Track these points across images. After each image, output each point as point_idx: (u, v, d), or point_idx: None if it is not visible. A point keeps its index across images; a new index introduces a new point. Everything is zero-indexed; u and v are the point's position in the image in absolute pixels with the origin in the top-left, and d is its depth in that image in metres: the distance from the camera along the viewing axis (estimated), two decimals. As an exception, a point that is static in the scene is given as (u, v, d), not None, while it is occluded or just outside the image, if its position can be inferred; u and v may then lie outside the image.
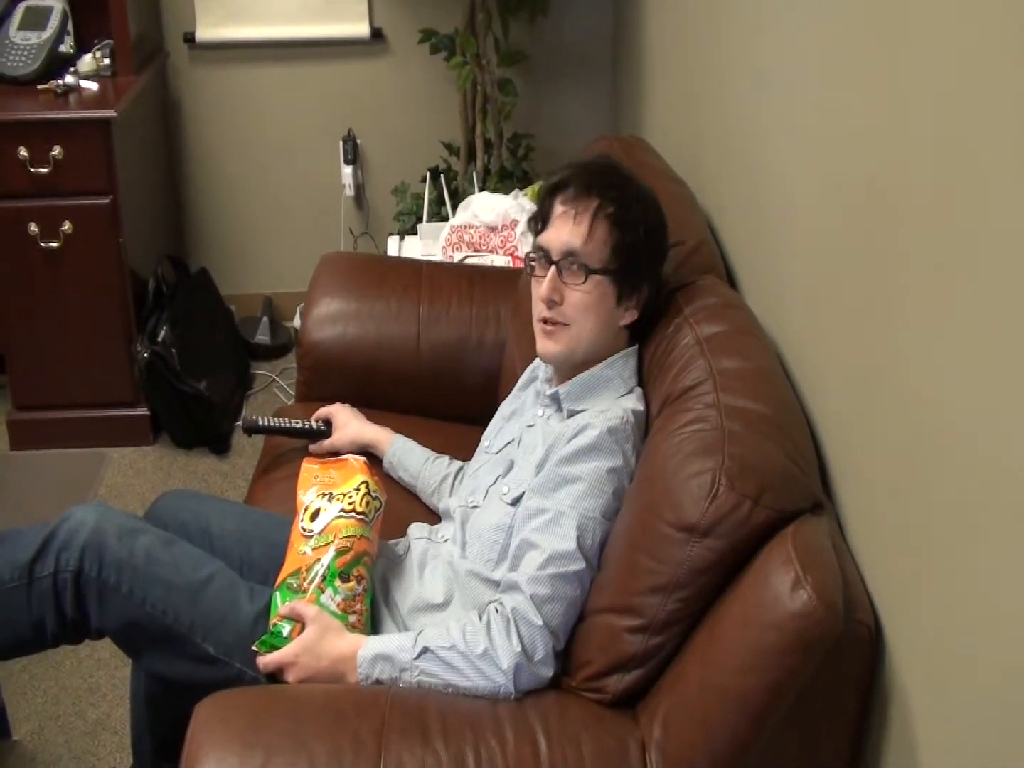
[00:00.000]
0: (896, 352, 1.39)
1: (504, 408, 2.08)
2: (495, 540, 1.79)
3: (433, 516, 2.09)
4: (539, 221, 1.87)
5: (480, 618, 1.65)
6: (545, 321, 1.83)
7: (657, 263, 1.87)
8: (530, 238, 1.90)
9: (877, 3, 1.46)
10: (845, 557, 1.49)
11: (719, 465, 1.50)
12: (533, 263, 1.85)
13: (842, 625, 1.36)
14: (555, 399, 1.87)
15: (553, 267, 1.80)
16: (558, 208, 1.82)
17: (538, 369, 2.01)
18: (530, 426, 1.91)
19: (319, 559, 1.76)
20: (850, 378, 1.56)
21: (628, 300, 1.83)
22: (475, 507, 1.90)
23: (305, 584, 1.75)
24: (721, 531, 1.48)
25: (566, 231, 1.80)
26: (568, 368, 1.87)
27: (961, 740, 1.25)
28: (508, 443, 1.96)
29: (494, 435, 2.04)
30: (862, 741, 1.49)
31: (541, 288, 1.81)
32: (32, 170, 2.99)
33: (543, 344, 1.85)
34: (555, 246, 1.81)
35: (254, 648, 1.70)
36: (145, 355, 3.12)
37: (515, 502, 1.80)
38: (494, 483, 1.89)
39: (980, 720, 1.20)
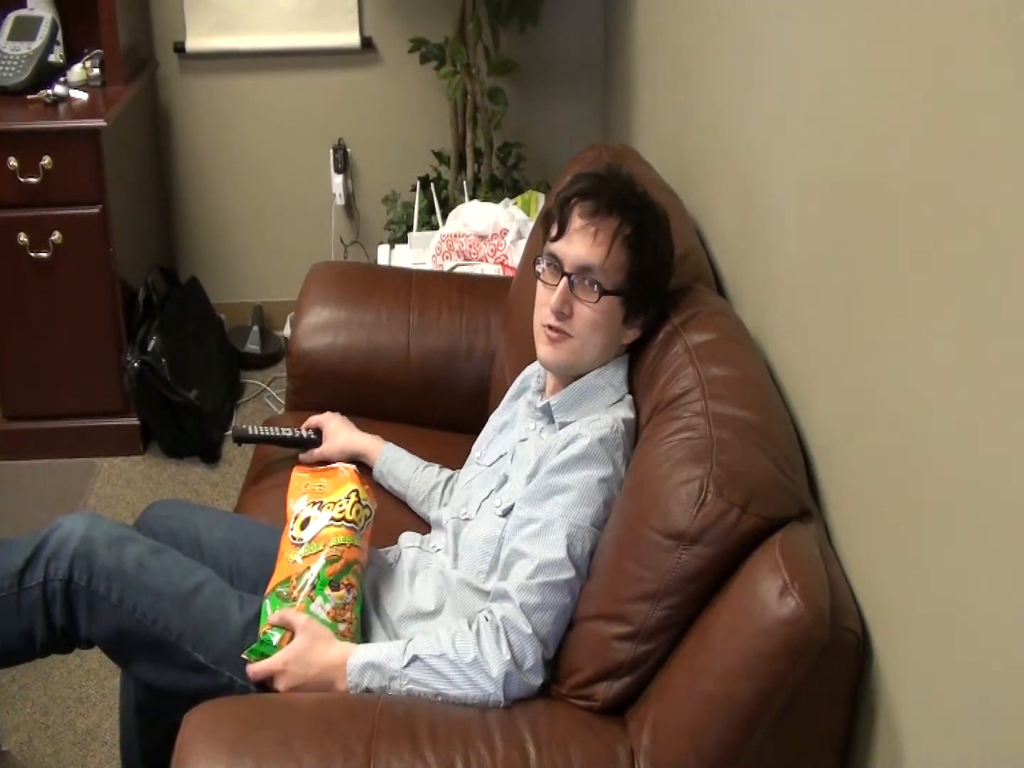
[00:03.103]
0: (884, 360, 1.40)
1: (495, 419, 2.08)
2: (486, 552, 1.79)
3: (423, 525, 2.10)
4: (554, 226, 1.83)
5: (470, 627, 1.66)
6: (551, 328, 1.83)
7: (665, 285, 1.88)
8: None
9: (864, 13, 1.47)
10: (832, 564, 1.50)
11: (707, 473, 1.51)
12: (541, 268, 1.84)
13: (829, 632, 1.36)
14: (547, 411, 1.87)
15: (565, 279, 1.80)
16: (577, 221, 1.80)
17: (529, 379, 2.01)
18: (523, 440, 1.91)
19: (309, 567, 1.76)
20: (838, 386, 1.57)
21: (634, 320, 1.84)
22: (467, 519, 1.90)
23: (295, 592, 1.75)
24: (709, 538, 1.49)
25: (584, 248, 1.78)
26: (564, 377, 1.87)
27: (948, 747, 1.26)
28: (501, 456, 1.95)
29: (485, 446, 2.04)
30: (850, 747, 1.49)
31: (552, 298, 1.80)
32: (22, 180, 2.99)
33: (545, 351, 1.85)
34: (570, 259, 1.79)
35: (244, 656, 1.70)
36: (135, 364, 3.11)
37: (506, 513, 1.80)
38: (487, 497, 1.89)
39: (967, 726, 1.21)
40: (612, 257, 1.78)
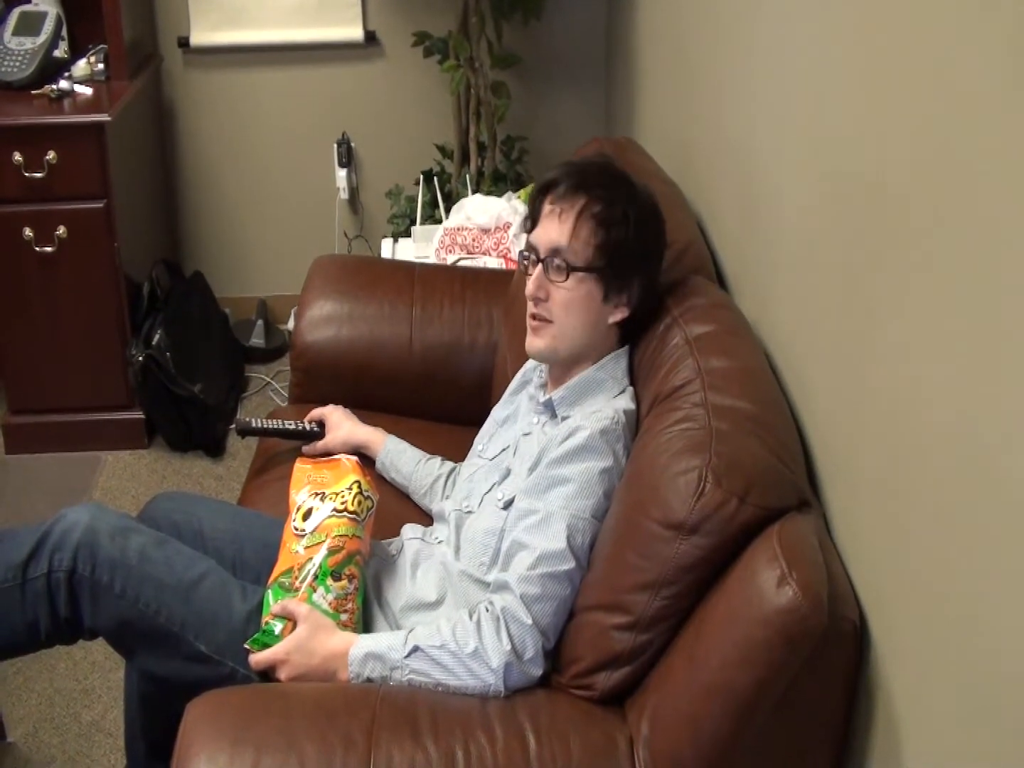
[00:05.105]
0: (883, 351, 1.40)
1: (497, 412, 2.08)
2: (487, 544, 1.80)
3: (425, 517, 2.10)
4: (530, 220, 1.89)
5: (470, 617, 1.66)
6: (532, 317, 1.84)
7: (649, 260, 1.87)
8: (524, 238, 1.92)
9: (866, 7, 1.47)
10: (831, 554, 1.50)
11: (706, 463, 1.51)
12: (526, 262, 1.87)
13: (827, 621, 1.36)
14: (549, 406, 1.88)
15: (540, 265, 1.82)
16: (546, 207, 1.84)
17: (531, 373, 2.01)
18: (526, 434, 1.91)
19: (311, 558, 1.77)
20: (837, 377, 1.57)
21: (617, 297, 1.83)
22: (470, 512, 1.91)
23: (297, 583, 1.76)
24: (708, 528, 1.49)
25: (553, 229, 1.81)
26: (557, 366, 1.88)
27: (946, 734, 1.26)
28: (503, 450, 1.96)
29: (487, 440, 2.05)
30: (848, 736, 1.50)
31: (527, 285, 1.83)
32: (27, 175, 3.00)
33: (528, 340, 1.87)
34: (542, 244, 1.83)
35: (246, 646, 1.71)
36: (140, 358, 3.12)
37: (508, 506, 1.81)
38: (490, 490, 1.90)
39: (965, 715, 1.21)
40: (579, 234, 1.79)
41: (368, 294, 2.51)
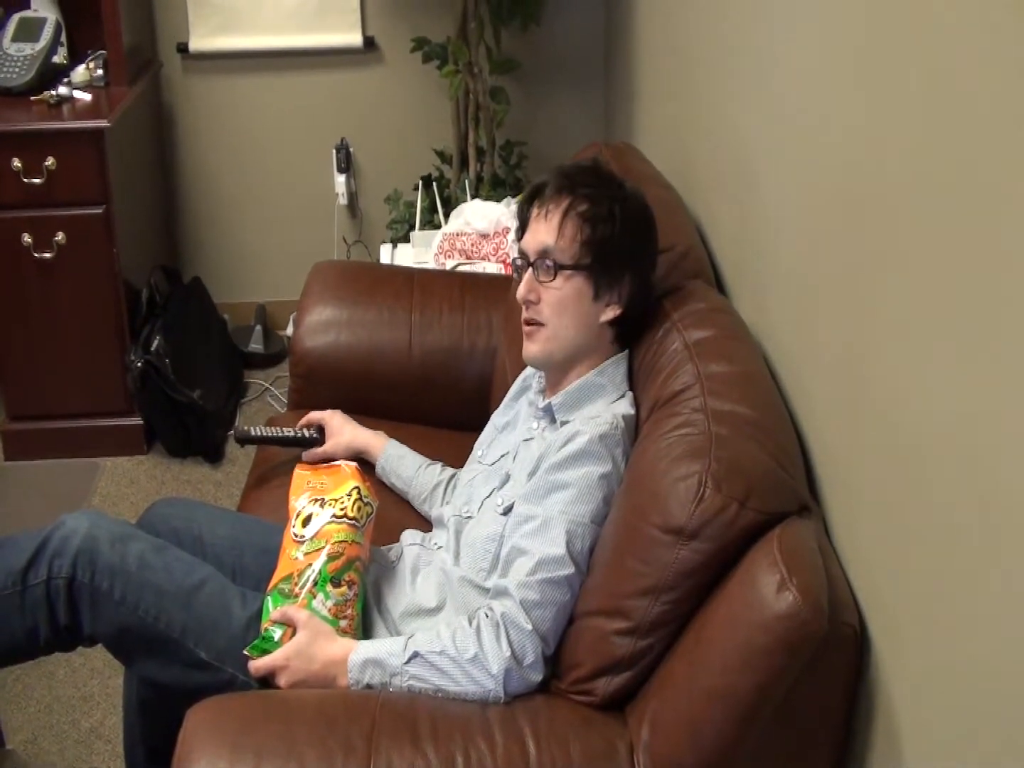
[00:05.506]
0: (881, 356, 1.40)
1: (497, 418, 2.08)
2: (487, 550, 1.80)
3: (425, 523, 2.10)
4: (520, 228, 1.90)
5: (470, 623, 1.66)
6: (527, 323, 1.85)
7: (638, 257, 1.87)
8: (517, 248, 1.93)
9: (865, 11, 1.48)
10: (831, 559, 1.50)
11: (706, 468, 1.51)
12: (519, 269, 1.88)
13: (827, 626, 1.36)
14: (548, 411, 1.88)
15: (530, 268, 1.83)
16: (534, 212, 1.86)
17: (530, 379, 2.01)
18: (527, 440, 1.91)
19: (311, 564, 1.77)
20: (836, 382, 1.57)
21: (608, 294, 1.83)
22: (469, 517, 1.90)
23: (297, 589, 1.75)
24: (708, 534, 1.49)
25: (540, 231, 1.83)
26: (553, 371, 1.88)
27: (945, 740, 1.26)
28: (503, 455, 1.96)
29: (487, 445, 2.05)
30: (848, 740, 1.50)
31: (519, 289, 1.84)
32: (25, 180, 3.00)
33: (524, 347, 1.87)
34: (531, 247, 1.84)
35: (246, 652, 1.71)
36: (138, 364, 3.12)
37: (507, 512, 1.81)
38: (489, 495, 1.90)
39: (964, 720, 1.21)
40: (564, 232, 1.81)
41: (367, 299, 2.51)
